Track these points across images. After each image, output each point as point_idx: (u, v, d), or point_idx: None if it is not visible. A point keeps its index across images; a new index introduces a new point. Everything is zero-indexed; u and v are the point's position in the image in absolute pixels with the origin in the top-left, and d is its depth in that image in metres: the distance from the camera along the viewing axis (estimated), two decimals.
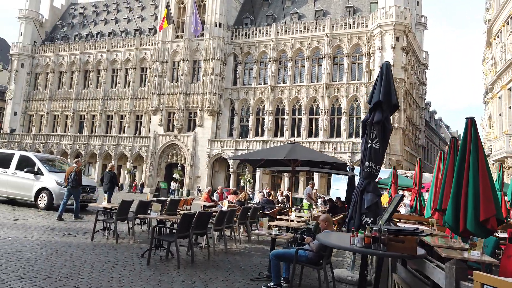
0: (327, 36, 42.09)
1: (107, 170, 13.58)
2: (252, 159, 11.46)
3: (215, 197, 13.47)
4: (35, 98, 54.70)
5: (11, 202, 13.50)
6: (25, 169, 12.90)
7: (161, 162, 46.72)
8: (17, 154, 13.73)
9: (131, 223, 7.85)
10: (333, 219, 9.58)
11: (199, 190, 41.13)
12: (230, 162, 43.20)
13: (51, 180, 12.52)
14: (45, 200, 12.44)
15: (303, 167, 11.69)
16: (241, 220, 8.19)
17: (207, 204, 11.78)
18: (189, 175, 44.42)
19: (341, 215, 9.67)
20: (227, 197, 13.99)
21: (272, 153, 10.49)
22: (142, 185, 44.39)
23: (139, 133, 49.01)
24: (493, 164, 24.58)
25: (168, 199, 10.56)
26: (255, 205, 10.97)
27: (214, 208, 9.69)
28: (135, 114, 49.76)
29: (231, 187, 41.81)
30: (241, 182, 42.58)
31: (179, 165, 44.03)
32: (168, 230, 6.79)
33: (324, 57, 42.13)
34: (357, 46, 41.51)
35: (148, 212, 7.88)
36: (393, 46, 38.18)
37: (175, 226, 6.39)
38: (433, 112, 64.99)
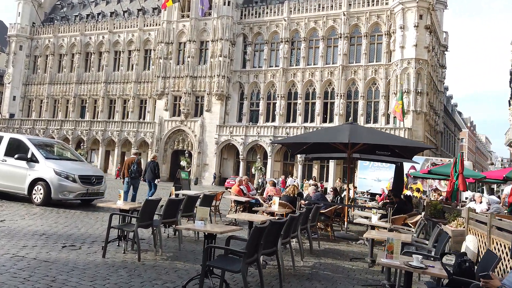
0: (344, 15, 39.41)
1: (149, 160, 12.64)
2: (297, 143, 9.25)
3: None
4: (35, 82, 52.34)
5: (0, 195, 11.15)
6: (16, 156, 10.57)
7: (167, 148, 44.59)
8: (6, 137, 11.34)
9: (157, 229, 5.70)
10: (411, 221, 7.40)
11: (215, 177, 38.93)
12: (240, 148, 41.07)
13: (48, 169, 10.23)
14: (41, 193, 10.18)
15: (360, 153, 9.47)
16: (302, 225, 6.05)
17: (241, 199, 9.62)
18: (196, 162, 42.33)
19: (419, 216, 7.55)
20: (258, 189, 11.86)
21: (327, 136, 8.26)
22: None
23: (144, 119, 46.79)
24: None
25: (200, 194, 8.35)
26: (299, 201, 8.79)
27: (269, 209, 7.43)
28: (139, 98, 47.44)
29: (240, 175, 39.78)
30: (252, 170, 40.49)
31: (186, 151, 41.90)
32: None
33: (340, 37, 39.54)
34: (376, 25, 38.85)
35: (179, 214, 5.76)
36: (416, 25, 35.54)
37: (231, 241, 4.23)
38: (450, 97, 62.47)
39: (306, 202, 8.58)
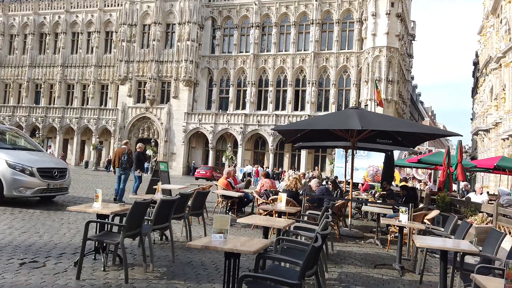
0: (316, 0, 38.60)
1: (135, 150, 11.96)
2: (295, 129, 8.22)
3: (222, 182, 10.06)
4: None
5: None
6: None
7: (131, 137, 42.23)
8: None
9: (146, 238, 4.46)
10: (429, 217, 6.60)
11: (194, 168, 37.05)
12: (209, 137, 39.66)
13: None
14: None
15: (358, 141, 8.59)
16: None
17: (230, 193, 8.47)
18: (163, 151, 40.47)
19: (435, 211, 6.76)
20: (245, 180, 10.78)
21: (333, 122, 7.29)
22: (109, 162, 39.64)
23: (105, 105, 44.09)
24: (508, 139, 22.69)
25: (187, 189, 7.10)
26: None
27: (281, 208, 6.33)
28: (100, 83, 44.61)
29: (210, 164, 38.49)
30: (223, 159, 39.28)
31: (152, 140, 39.91)
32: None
33: (312, 24, 38.79)
34: (348, 12, 38.40)
35: (171, 217, 4.58)
36: (387, 12, 35.33)
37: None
38: (415, 86, 63.78)
39: (307, 198, 7.61)
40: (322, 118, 8.87)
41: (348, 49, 38.23)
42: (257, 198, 8.01)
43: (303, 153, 36.87)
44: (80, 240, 5.88)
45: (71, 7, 45.83)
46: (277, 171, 36.02)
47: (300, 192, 7.41)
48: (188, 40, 40.41)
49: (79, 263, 4.12)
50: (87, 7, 45.24)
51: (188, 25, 40.54)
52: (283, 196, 6.00)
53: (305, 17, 39.53)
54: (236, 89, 41.24)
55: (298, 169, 37.15)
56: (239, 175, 35.60)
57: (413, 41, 49.22)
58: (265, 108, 39.97)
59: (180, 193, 5.52)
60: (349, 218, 8.12)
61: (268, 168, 36.41)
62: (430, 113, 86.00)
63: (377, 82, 32.96)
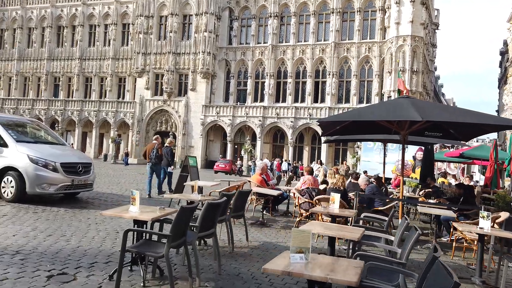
0: None
1: (165, 145, 11.91)
2: (337, 121, 7.50)
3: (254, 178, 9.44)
4: (2, 57, 48.16)
5: None
6: None
7: (149, 130, 42.08)
8: None
9: (192, 248, 3.84)
10: (498, 220, 5.80)
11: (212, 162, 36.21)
12: (227, 130, 39.07)
13: (20, 155, 8.07)
14: (12, 186, 8.03)
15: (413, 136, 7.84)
16: None
17: (269, 191, 7.80)
18: (181, 144, 40.10)
19: (505, 213, 5.94)
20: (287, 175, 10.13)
21: (383, 113, 6.54)
22: (127, 154, 39.43)
23: (123, 98, 43.91)
24: None
25: (218, 184, 6.46)
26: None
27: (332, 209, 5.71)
28: (118, 76, 44.41)
29: (228, 157, 37.96)
30: (242, 152, 38.73)
31: (170, 133, 39.54)
32: None
33: (333, 13, 37.62)
34: (370, 0, 37.05)
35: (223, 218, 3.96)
36: (412, 0, 33.92)
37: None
38: (437, 77, 61.92)
39: (353, 197, 6.91)
40: (369, 109, 8.13)
41: (370, 39, 37.01)
42: (298, 197, 7.35)
43: (324, 146, 36.00)
44: (111, 245, 5.35)
45: None
46: (296, 165, 35.32)
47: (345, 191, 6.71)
48: (205, 31, 39.74)
49: (117, 278, 3.53)
50: None
51: (205, 16, 39.83)
52: (336, 197, 5.32)
53: (325, 6, 38.38)
54: (254, 81, 40.49)
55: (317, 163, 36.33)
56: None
57: (436, 30, 47.48)
58: (284, 100, 39.15)
59: (224, 194, 4.91)
60: (400, 220, 7.39)
61: (287, 161, 35.76)
62: (452, 105, 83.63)
63: (400, 72, 31.78)
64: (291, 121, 36.78)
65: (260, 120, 37.83)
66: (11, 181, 8.16)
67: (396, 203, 7.29)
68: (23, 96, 47.08)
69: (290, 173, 32.79)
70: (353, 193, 6.81)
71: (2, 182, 8.21)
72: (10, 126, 9.00)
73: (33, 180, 8.03)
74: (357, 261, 2.65)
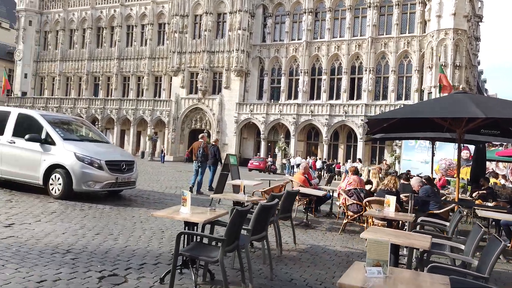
0: None
1: (211, 143, 12.24)
2: (385, 118, 7.14)
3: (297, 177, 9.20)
4: (46, 58, 50.39)
5: (11, 184, 9.04)
6: (27, 136, 8.45)
7: (184, 128, 42.71)
8: (14, 112, 9.15)
9: (244, 252, 3.70)
10: None
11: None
12: (261, 127, 38.93)
13: (67, 153, 8.20)
14: (59, 183, 8.20)
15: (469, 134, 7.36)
16: None
17: (315, 192, 7.56)
18: None
19: None
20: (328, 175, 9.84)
21: (438, 109, 6.12)
22: (163, 153, 40.05)
23: (159, 96, 44.77)
24: None
25: (260, 184, 6.31)
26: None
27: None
28: (154, 75, 45.33)
29: (262, 155, 37.85)
30: (275, 150, 38.53)
31: (204, 131, 39.86)
32: None
33: (369, 7, 36.60)
34: None
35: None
36: None
37: None
38: (480, 72, 58.98)
39: (406, 199, 6.56)
40: (422, 105, 7.70)
41: (409, 33, 35.75)
42: (345, 198, 7.05)
43: (359, 144, 35.11)
44: (158, 245, 5.30)
45: (126, 0, 46.71)
46: (331, 163, 34.70)
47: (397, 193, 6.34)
48: (239, 29, 39.75)
49: (170, 282, 3.43)
50: (141, 0, 45.89)
51: (239, 13, 39.83)
52: (391, 200, 5.01)
53: (361, 1, 37.38)
54: (288, 78, 40.14)
55: (354, 161, 35.53)
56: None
57: (480, 23, 45.14)
58: (318, 98, 38.56)
59: (274, 195, 4.74)
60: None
61: (322, 159, 35.20)
62: None
63: (442, 67, 30.43)
64: (326, 119, 36.13)
65: (294, 118, 37.44)
66: (58, 178, 8.36)
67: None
68: (65, 95, 49.02)
69: (324, 172, 32.26)
70: (405, 195, 6.45)
71: (50, 179, 8.43)
72: (56, 124, 9.23)
73: (80, 177, 8.19)
74: (441, 277, 2.38)
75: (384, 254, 2.30)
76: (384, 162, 24.45)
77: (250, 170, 31.64)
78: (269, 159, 35.86)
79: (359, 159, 24.98)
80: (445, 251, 3.85)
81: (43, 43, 51.12)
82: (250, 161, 34.30)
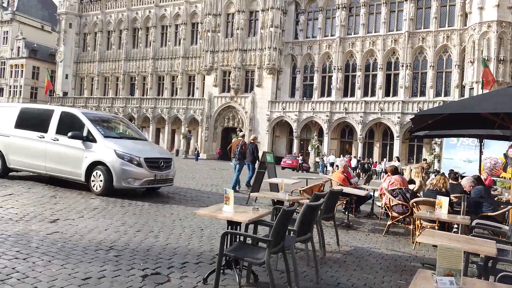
0: None
1: (249, 142, 12.40)
2: (431, 114, 6.77)
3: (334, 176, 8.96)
4: (85, 59, 52.30)
5: (55, 180, 9.40)
6: (69, 134, 8.71)
7: (217, 126, 43.09)
8: (57, 110, 9.44)
9: (290, 253, 3.58)
10: None
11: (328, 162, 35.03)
12: (294, 125, 38.58)
13: (108, 150, 8.39)
14: (101, 180, 8.39)
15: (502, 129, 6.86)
16: None
17: (357, 191, 7.31)
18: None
19: None
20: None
21: (489, 104, 5.70)
22: (197, 151, 40.56)
23: (193, 95, 45.39)
24: None
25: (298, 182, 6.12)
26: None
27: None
28: (187, 74, 45.98)
29: (294, 153, 37.51)
30: (308, 148, 38.11)
31: (238, 129, 40.02)
32: None
33: (406, 0, 35.38)
34: None
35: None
36: None
37: None
38: None
39: (456, 200, 6.20)
40: (472, 100, 7.25)
41: (448, 26, 34.30)
42: (390, 198, 6.74)
43: (396, 142, 34.08)
44: (198, 244, 5.26)
45: (160, 1, 47.60)
46: (366, 162, 33.87)
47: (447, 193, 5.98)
48: (271, 26, 39.56)
49: (215, 283, 3.34)
50: (174, 0, 46.61)
51: (272, 11, 39.63)
52: (443, 201, 4.72)
53: None
54: (321, 75, 39.57)
55: (390, 159, 34.52)
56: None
57: None
58: (352, 95, 37.78)
59: (317, 194, 4.57)
60: None
61: (357, 158, 34.38)
62: None
63: (485, 61, 28.93)
64: (361, 116, 35.30)
65: (327, 116, 36.87)
66: (99, 175, 8.54)
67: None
68: (103, 95, 50.68)
69: (358, 171, 31.51)
70: (456, 195, 6.08)
71: (92, 176, 8.63)
72: (97, 122, 9.43)
73: (120, 174, 8.33)
74: None
75: (457, 262, 2.09)
76: (424, 161, 23.52)
77: (283, 168, 31.44)
78: (300, 157, 35.45)
79: (397, 158, 24.09)
80: (508, 257, 3.54)
81: (82, 45, 53.07)
82: (283, 159, 34.07)
